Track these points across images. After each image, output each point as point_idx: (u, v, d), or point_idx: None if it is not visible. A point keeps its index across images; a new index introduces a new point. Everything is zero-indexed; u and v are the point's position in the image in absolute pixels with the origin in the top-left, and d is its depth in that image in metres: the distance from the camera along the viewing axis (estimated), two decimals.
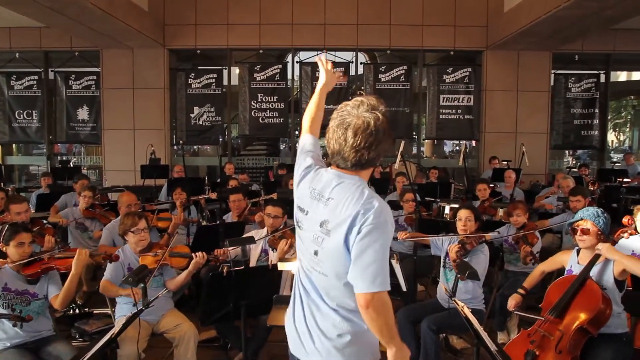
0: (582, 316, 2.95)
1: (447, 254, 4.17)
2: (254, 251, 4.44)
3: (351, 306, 1.96)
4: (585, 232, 3.19)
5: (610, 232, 3.36)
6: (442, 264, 4.27)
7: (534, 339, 3.04)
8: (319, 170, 2.07)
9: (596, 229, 3.18)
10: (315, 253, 1.96)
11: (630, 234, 3.32)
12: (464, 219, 4.19)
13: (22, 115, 11.73)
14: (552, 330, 3.02)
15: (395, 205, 6.10)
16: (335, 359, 1.98)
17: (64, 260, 3.42)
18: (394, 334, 1.94)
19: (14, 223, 3.69)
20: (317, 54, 11.39)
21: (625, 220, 3.38)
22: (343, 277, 1.91)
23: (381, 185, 7.82)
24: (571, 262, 3.36)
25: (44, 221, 5.52)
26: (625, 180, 8.50)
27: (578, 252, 3.35)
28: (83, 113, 11.63)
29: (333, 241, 1.89)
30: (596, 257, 3.15)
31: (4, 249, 3.31)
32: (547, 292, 3.23)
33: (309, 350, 2.04)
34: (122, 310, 3.74)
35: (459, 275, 3.70)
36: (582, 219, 3.23)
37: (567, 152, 13.86)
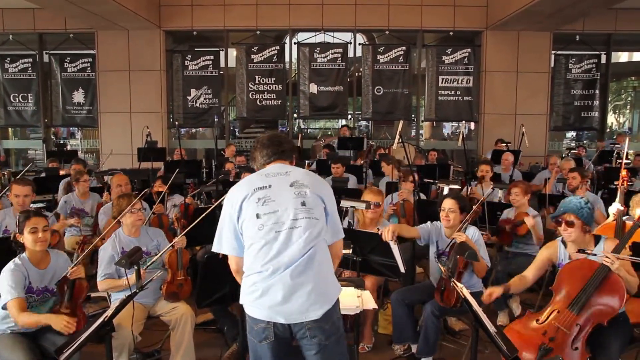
0: (607, 312, 2.88)
1: (437, 247, 4.04)
2: None
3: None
4: (569, 225, 3.13)
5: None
6: (435, 257, 4.03)
7: (546, 330, 2.91)
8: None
9: (580, 222, 3.10)
10: (303, 204, 2.44)
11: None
12: (447, 210, 3.89)
13: (17, 99, 11.63)
14: (570, 325, 2.89)
15: (394, 187, 6.03)
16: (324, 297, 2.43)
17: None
18: None
19: (25, 210, 3.66)
20: (315, 35, 11.27)
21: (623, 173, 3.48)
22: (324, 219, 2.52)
23: (377, 167, 7.60)
24: (561, 256, 3.26)
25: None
26: (625, 162, 8.44)
27: (564, 244, 3.26)
28: (79, 96, 11.53)
29: (310, 192, 2.48)
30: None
31: (21, 238, 3.22)
32: (559, 275, 3.11)
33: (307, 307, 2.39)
34: (119, 293, 3.69)
35: (458, 257, 3.67)
36: (565, 213, 3.14)
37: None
